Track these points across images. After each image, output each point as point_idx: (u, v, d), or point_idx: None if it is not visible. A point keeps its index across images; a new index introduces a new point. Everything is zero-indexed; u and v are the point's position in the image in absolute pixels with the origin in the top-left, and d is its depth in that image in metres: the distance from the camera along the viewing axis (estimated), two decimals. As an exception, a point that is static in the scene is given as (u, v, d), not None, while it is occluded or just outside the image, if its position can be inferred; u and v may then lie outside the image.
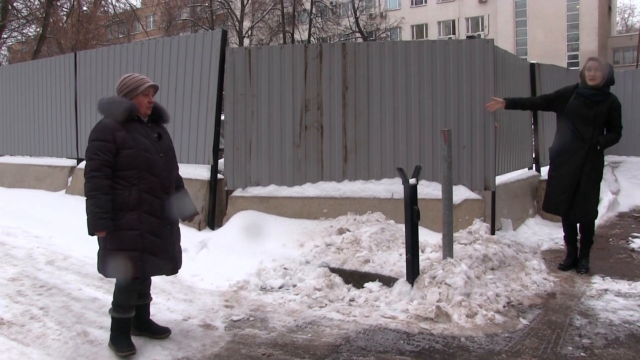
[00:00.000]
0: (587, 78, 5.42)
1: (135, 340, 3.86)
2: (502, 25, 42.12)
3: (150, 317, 4.14)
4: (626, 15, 62.86)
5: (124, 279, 3.72)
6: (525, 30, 41.77)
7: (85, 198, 3.61)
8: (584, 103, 5.43)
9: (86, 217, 3.58)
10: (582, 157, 5.43)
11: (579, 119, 5.44)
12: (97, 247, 3.80)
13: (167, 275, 4.02)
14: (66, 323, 4.22)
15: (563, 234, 5.85)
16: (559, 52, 38.54)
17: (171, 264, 3.90)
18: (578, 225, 5.69)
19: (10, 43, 28.10)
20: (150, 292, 4.14)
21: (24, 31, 25.22)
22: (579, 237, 5.71)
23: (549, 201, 5.72)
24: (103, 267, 3.76)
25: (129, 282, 3.74)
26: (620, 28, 56.70)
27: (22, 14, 22.80)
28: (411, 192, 4.77)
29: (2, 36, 22.61)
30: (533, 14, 41.03)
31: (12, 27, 23.65)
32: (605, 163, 9.81)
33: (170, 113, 7.32)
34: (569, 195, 5.51)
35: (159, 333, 4.01)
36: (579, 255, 5.69)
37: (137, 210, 3.69)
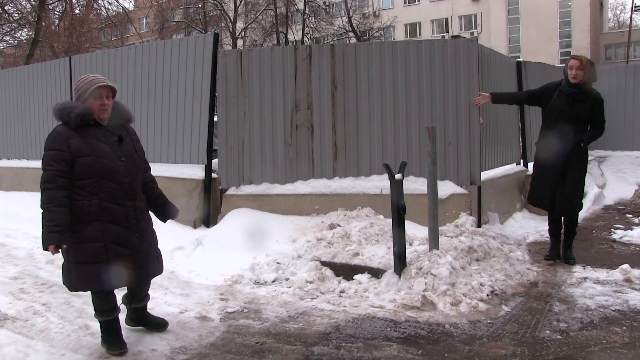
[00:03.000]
0: (569, 76, 5.53)
1: (133, 331, 4.04)
2: (495, 23, 42.41)
3: (148, 311, 4.16)
4: (618, 12, 63.06)
5: (93, 290, 3.67)
6: (518, 28, 42.05)
7: (40, 211, 3.47)
8: (566, 101, 5.55)
9: (41, 230, 3.46)
10: (566, 154, 5.54)
11: (561, 117, 5.56)
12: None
13: (140, 285, 3.90)
14: (68, 317, 4.39)
15: (548, 227, 6.00)
16: (552, 49, 38.80)
17: (142, 272, 3.77)
18: (562, 218, 5.85)
19: (2, 47, 28.08)
20: (149, 292, 4.12)
21: (16, 35, 25.15)
22: (562, 231, 5.87)
23: (534, 195, 5.91)
24: (67, 280, 3.67)
25: (99, 292, 3.69)
26: (613, 24, 56.91)
27: (13, 17, 22.73)
28: (397, 187, 4.97)
29: (-6, 40, 22.66)
30: (525, 11, 41.31)
31: (4, 31, 23.62)
32: (591, 158, 10.06)
33: (164, 115, 7.56)
34: (554, 191, 5.66)
35: (157, 327, 4.05)
36: (563, 247, 5.84)
37: (99, 220, 3.54)
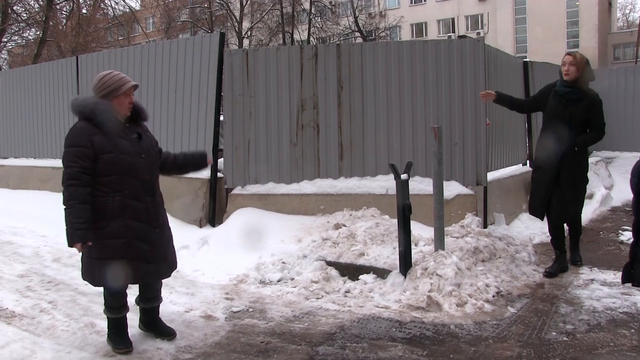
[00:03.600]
0: (562, 73, 5.24)
1: (138, 330, 4.05)
2: (502, 23, 42.27)
3: (160, 317, 4.11)
4: (627, 11, 62.80)
5: (113, 287, 3.68)
6: (524, 28, 41.90)
7: (64, 208, 3.48)
8: (560, 102, 5.25)
9: (65, 227, 3.47)
10: (559, 159, 5.23)
11: (555, 119, 5.27)
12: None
13: (157, 280, 3.92)
14: (74, 315, 4.41)
15: (550, 237, 5.64)
16: (559, 49, 38.56)
17: (163, 267, 3.82)
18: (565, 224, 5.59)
19: (11, 47, 28.23)
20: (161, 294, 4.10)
21: (24, 35, 25.30)
22: (567, 234, 5.60)
23: (530, 203, 5.66)
24: (89, 276, 3.68)
25: (117, 288, 3.71)
26: (621, 24, 56.58)
27: (22, 17, 22.88)
28: (403, 187, 4.96)
29: (2, 40, 22.73)
30: (532, 11, 41.17)
31: (12, 30, 23.74)
32: (599, 159, 10.02)
33: (170, 114, 7.59)
34: (547, 196, 5.38)
35: (165, 335, 3.98)
36: (569, 248, 5.62)
37: (121, 217, 3.57)
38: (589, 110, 5.20)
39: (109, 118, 3.56)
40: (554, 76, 5.60)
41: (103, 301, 3.86)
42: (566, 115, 5.19)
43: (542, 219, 5.66)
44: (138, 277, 3.73)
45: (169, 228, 3.98)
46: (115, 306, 3.77)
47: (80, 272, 3.79)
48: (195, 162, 4.20)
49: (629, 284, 3.77)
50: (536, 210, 5.57)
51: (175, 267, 4.01)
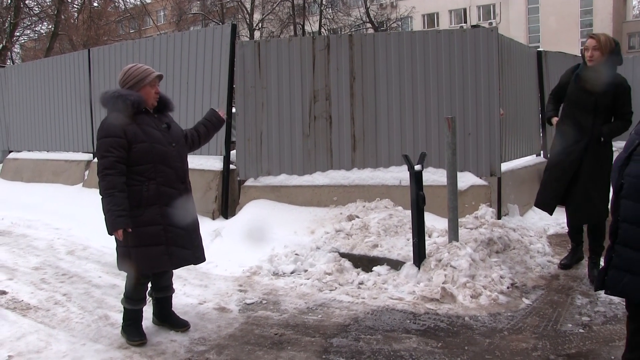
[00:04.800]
0: (586, 58, 4.80)
1: (154, 325, 4.06)
2: (514, 13, 41.85)
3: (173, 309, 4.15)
4: (643, -1, 61.72)
5: (142, 274, 3.74)
6: (537, 17, 41.49)
7: (101, 197, 3.57)
8: (583, 89, 4.79)
9: (104, 216, 3.54)
10: (580, 150, 4.78)
11: (577, 107, 4.83)
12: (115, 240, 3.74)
13: (194, 264, 4.01)
14: (88, 308, 4.44)
15: (567, 230, 5.35)
16: (572, 38, 38.24)
17: (197, 252, 3.91)
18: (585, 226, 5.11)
19: (23, 41, 28.42)
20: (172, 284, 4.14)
21: (36, 29, 25.49)
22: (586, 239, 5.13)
23: (540, 196, 5.16)
24: (126, 264, 3.72)
25: (141, 277, 3.76)
26: (637, 12, 55.82)
27: (34, 11, 23.03)
28: (416, 178, 4.93)
29: (15, 34, 22.87)
30: (545, 0, 40.73)
31: (25, 24, 23.91)
32: (615, 149, 9.84)
33: (182, 106, 7.59)
34: (560, 193, 4.90)
35: (179, 326, 4.00)
36: (587, 264, 5.03)
37: (157, 204, 3.65)
38: (616, 97, 4.74)
39: (139, 108, 3.65)
40: (568, 66, 5.41)
41: (120, 293, 3.92)
42: (590, 102, 4.74)
43: (550, 214, 5.18)
44: (175, 262, 3.80)
45: (197, 216, 4.04)
46: (136, 298, 3.81)
47: (116, 263, 3.84)
48: (214, 124, 4.26)
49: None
50: (547, 205, 5.09)
51: (204, 253, 4.04)
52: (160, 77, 3.79)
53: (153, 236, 3.65)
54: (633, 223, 2.75)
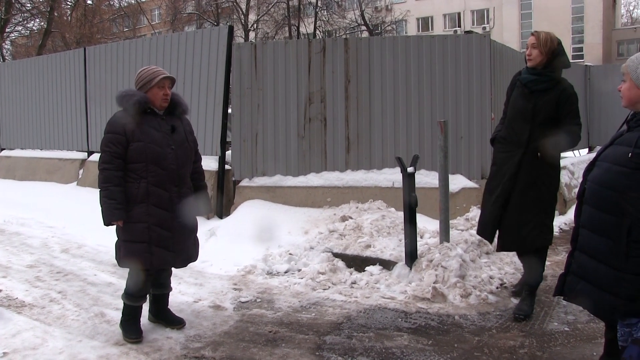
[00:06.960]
0: (526, 58, 4.10)
1: (150, 322, 4.11)
2: (507, 18, 42.14)
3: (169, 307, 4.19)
4: (631, 8, 62.50)
5: (135, 270, 3.80)
6: (530, 23, 41.72)
7: (99, 190, 3.70)
8: (522, 93, 4.08)
9: (100, 208, 3.66)
10: (514, 166, 4.06)
11: (515, 114, 4.11)
12: (112, 237, 3.88)
13: (178, 267, 4.04)
14: (84, 305, 4.48)
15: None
16: (564, 45, 38.14)
17: (182, 256, 3.90)
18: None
19: (14, 37, 28.23)
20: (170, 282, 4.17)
21: (28, 25, 25.34)
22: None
23: (479, 224, 4.45)
24: (117, 256, 3.86)
25: (141, 273, 3.79)
26: (625, 20, 56.41)
27: (26, 7, 22.91)
28: (409, 180, 5.01)
29: (6, 30, 22.73)
30: (538, 6, 41.04)
31: (16, 21, 23.78)
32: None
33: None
34: (498, 216, 4.17)
35: (174, 324, 4.03)
36: (522, 294, 4.33)
37: (145, 202, 3.71)
38: (559, 105, 3.96)
39: (143, 108, 3.73)
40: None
41: (115, 291, 3.93)
42: (528, 110, 4.01)
43: (490, 243, 4.73)
44: (156, 263, 3.81)
45: (195, 219, 4.05)
46: (135, 294, 3.85)
47: (116, 260, 3.92)
48: (196, 208, 4.15)
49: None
50: (484, 232, 4.37)
51: (195, 259, 4.08)
52: (170, 79, 3.85)
53: (138, 233, 3.73)
54: (590, 230, 2.71)
